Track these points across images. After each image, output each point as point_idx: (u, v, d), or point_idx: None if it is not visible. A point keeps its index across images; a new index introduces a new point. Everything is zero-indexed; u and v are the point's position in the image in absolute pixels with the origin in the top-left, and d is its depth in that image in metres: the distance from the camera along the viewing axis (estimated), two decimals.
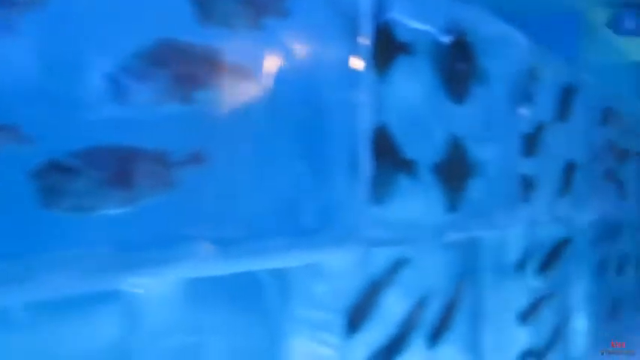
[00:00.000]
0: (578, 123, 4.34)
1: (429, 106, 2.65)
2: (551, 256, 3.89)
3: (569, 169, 4.16)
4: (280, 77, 1.81)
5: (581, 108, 4.38)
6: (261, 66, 1.77)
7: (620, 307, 5.24)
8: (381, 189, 2.31)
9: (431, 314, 2.65)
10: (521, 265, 3.46)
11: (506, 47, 3.26)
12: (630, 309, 5.51)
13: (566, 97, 4.12)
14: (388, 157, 2.37)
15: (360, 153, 2.06)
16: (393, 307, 2.40)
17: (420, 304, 2.56)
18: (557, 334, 4.05)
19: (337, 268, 2.02)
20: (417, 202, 2.55)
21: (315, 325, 1.97)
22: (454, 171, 2.81)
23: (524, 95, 3.48)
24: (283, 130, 1.81)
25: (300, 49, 1.90)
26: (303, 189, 1.88)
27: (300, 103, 1.88)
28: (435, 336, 2.67)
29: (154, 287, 1.56)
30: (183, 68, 1.55)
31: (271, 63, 1.79)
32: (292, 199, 1.84)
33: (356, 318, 2.11)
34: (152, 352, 1.58)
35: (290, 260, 1.87)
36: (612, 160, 5.17)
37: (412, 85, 2.55)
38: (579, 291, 4.41)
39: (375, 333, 2.28)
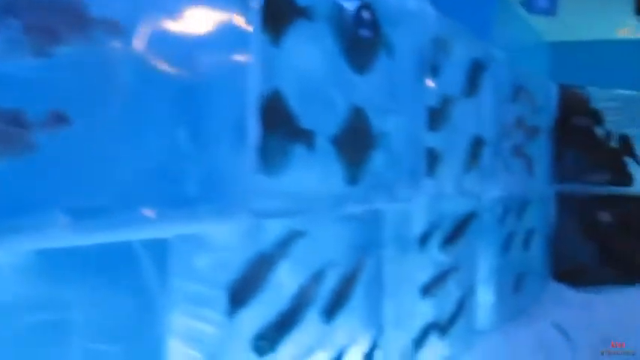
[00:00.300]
0: (487, 99, 4.35)
1: (329, 75, 2.56)
2: (457, 230, 3.90)
3: (477, 144, 4.17)
4: (157, 35, 1.68)
5: (490, 84, 4.40)
6: (134, 22, 1.63)
7: (525, 281, 5.34)
8: (274, 159, 2.22)
9: (327, 288, 2.59)
10: (424, 239, 3.45)
11: (412, 18, 3.20)
12: (535, 283, 5.63)
13: (475, 72, 4.12)
14: (283, 126, 2.28)
15: (248, 120, 1.95)
16: (285, 281, 2.32)
17: (316, 277, 2.50)
18: (461, 308, 4.08)
19: (220, 240, 1.93)
20: (313, 173, 2.47)
21: (195, 301, 1.87)
22: (355, 142, 2.75)
23: (430, 68, 3.44)
24: (159, 92, 1.69)
25: (181, 5, 1.77)
26: (183, 156, 1.77)
27: (179, 63, 1.75)
28: (332, 310, 2.61)
29: (4, 258, 1.42)
30: (37, 18, 1.40)
31: (146, 19, 1.66)
32: (169, 166, 1.72)
33: (241, 293, 2.02)
34: (4, 329, 1.45)
35: (167, 231, 1.76)
36: (521, 136, 5.23)
37: (310, 52, 2.46)
38: (484, 265, 4.46)
39: (264, 308, 2.20)
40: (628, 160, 6.41)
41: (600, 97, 6.39)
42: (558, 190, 6.11)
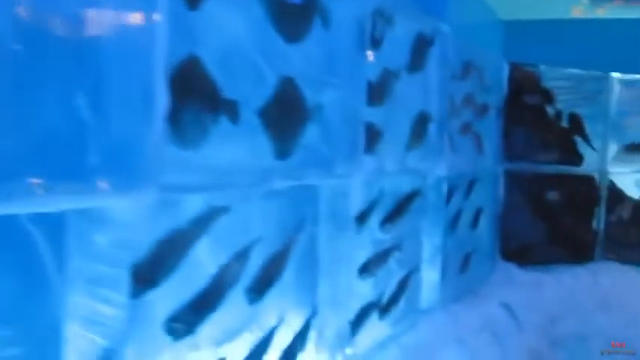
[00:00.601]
0: (434, 75, 4.26)
1: (256, 42, 2.42)
2: (399, 209, 3.81)
3: (422, 120, 4.08)
4: None
5: (437, 59, 4.30)
6: None
7: (473, 260, 5.30)
8: (191, 130, 2.09)
9: (254, 267, 2.47)
10: (363, 217, 3.35)
11: None
12: (483, 262, 5.60)
13: (420, 47, 4.01)
14: (201, 95, 2.14)
15: (155, 86, 1.81)
16: (205, 260, 2.20)
17: (240, 256, 2.38)
18: (404, 287, 4.01)
19: (124, 215, 1.79)
20: (238, 147, 2.34)
21: (96, 281, 1.73)
22: (285, 115, 2.62)
23: (371, 40, 3.32)
24: (48, 55, 1.53)
25: None
26: (79, 123, 1.62)
27: (75, 22, 1.60)
28: (259, 290, 2.50)
29: None
30: None
31: None
32: (62, 134, 1.58)
33: (149, 273, 1.89)
34: None
35: (61, 204, 1.61)
36: (470, 114, 5.16)
37: (235, 17, 2.31)
38: (429, 244, 4.38)
39: (180, 289, 2.08)
40: (578, 139, 6.40)
41: (551, 76, 6.35)
42: (508, 169, 6.07)
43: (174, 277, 2.04)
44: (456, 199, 4.86)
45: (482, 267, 5.59)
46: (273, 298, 2.60)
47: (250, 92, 2.41)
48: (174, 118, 1.95)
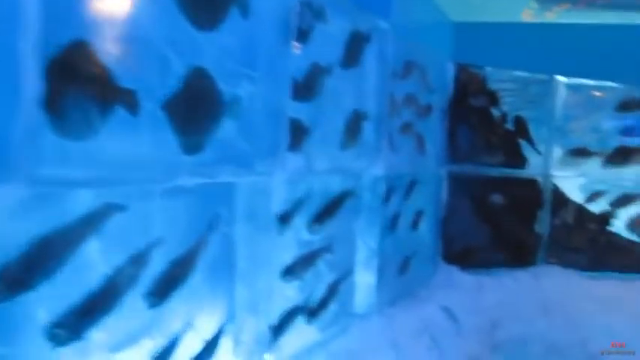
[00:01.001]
0: (371, 72, 4.15)
1: (161, 29, 2.27)
2: (329, 209, 3.69)
3: (357, 119, 3.96)
4: None
5: (375, 57, 4.19)
6: None
7: (413, 263, 5.21)
8: (77, 119, 1.93)
9: (155, 269, 2.32)
10: (287, 217, 3.21)
11: None
12: (423, 265, 5.51)
13: (355, 43, 3.89)
14: (91, 83, 1.98)
15: (25, 71, 1.65)
16: (95, 261, 2.04)
17: (138, 257, 2.22)
18: (335, 291, 3.88)
19: None
20: (137, 140, 2.19)
21: None
22: (196, 108, 2.47)
23: (298, 32, 3.19)
24: None
25: None
26: None
27: None
28: (160, 294, 2.35)
29: None
30: None
31: None
32: None
33: (20, 274, 1.73)
34: None
35: None
36: (412, 114, 5.06)
37: (134, 1, 2.16)
38: (364, 246, 4.27)
39: (63, 292, 1.91)
40: (522, 142, 6.37)
41: (497, 78, 6.31)
42: (451, 171, 6.00)
43: (56, 279, 1.88)
44: (395, 200, 4.75)
45: (423, 270, 5.50)
46: (178, 303, 2.45)
47: (154, 82, 2.26)
48: (55, 106, 1.79)
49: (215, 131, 2.59)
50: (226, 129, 2.66)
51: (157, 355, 2.37)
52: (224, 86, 2.63)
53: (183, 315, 2.50)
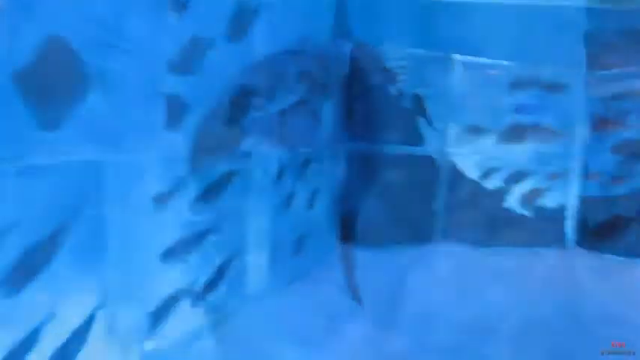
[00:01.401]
0: (259, 47, 4.01)
1: None
2: (214, 188, 3.55)
3: (243, 95, 3.82)
4: None
5: (263, 31, 4.06)
6: None
7: (308, 243, 5.14)
8: None
9: (8, 255, 2.13)
10: (164, 198, 3.05)
11: None
12: (320, 244, 5.46)
13: (240, 16, 3.75)
14: None
15: None
16: None
17: None
18: (224, 272, 3.76)
19: None
20: None
21: None
22: (54, 80, 2.28)
23: (175, 2, 3.02)
24: None
25: None
26: None
27: None
28: (16, 282, 2.16)
29: None
30: None
31: None
32: None
33: None
34: None
35: None
36: (306, 91, 4.96)
37: None
38: (255, 226, 4.16)
39: None
40: (419, 119, 6.39)
41: (394, 56, 6.28)
42: (348, 149, 5.95)
43: None
44: (289, 178, 4.66)
45: (319, 249, 5.44)
46: (39, 291, 2.27)
47: (1, 51, 2.06)
48: None
49: (78, 106, 2.41)
50: (92, 104, 2.48)
51: (15, 348, 2.19)
52: (89, 57, 2.45)
53: (45, 304, 2.33)
